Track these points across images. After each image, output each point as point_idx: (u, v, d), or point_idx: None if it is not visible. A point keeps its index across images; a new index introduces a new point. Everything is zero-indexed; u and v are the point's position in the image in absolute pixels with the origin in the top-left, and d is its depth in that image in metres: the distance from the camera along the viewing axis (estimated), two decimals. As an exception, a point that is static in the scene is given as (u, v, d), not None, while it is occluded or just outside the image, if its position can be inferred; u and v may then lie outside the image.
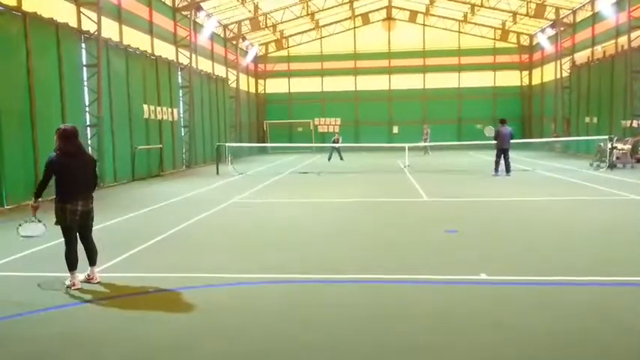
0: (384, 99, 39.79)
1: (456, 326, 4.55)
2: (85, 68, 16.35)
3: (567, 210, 10.64)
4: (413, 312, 4.93)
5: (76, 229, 5.76)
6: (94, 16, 16.34)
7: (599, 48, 27.37)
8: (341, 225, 9.53)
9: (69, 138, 5.67)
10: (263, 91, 41.05)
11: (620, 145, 19.40)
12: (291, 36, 39.42)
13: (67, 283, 5.72)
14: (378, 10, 38.40)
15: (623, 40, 23.94)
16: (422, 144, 29.84)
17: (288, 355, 4.09)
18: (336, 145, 27.06)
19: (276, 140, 37.97)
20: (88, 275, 5.90)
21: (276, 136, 39.27)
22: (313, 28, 38.63)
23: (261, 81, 40.92)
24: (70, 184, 5.64)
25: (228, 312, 5.02)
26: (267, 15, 32.79)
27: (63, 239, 5.80)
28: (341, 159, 26.61)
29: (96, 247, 6.00)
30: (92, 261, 5.93)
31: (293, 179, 18.25)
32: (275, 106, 40.64)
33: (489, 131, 18.87)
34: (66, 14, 15.63)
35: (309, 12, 34.53)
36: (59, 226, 5.75)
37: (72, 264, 5.69)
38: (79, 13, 16.38)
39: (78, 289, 5.63)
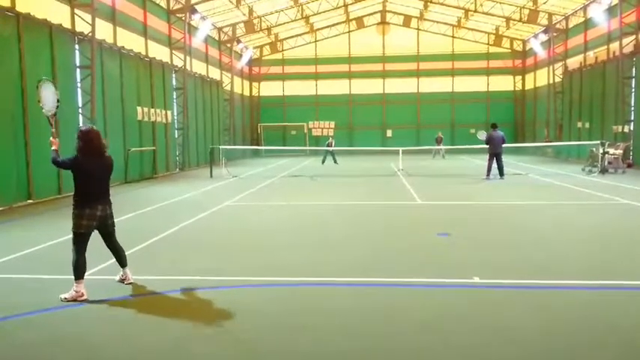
0: (378, 103, 39.91)
1: (450, 329, 4.55)
2: (78, 70, 16.27)
3: (559, 214, 10.70)
4: (405, 316, 4.93)
5: (90, 236, 5.52)
6: (88, 17, 16.28)
7: (591, 54, 27.60)
8: (333, 228, 9.53)
9: (92, 139, 5.51)
10: (257, 94, 41.06)
11: (611, 150, 19.55)
12: (285, 39, 39.49)
13: (67, 296, 5.33)
14: (372, 14, 38.56)
15: (614, 46, 24.17)
16: (438, 147, 30.80)
17: (279, 358, 4.08)
18: (330, 148, 27.10)
19: (270, 143, 37.99)
20: (122, 276, 5.91)
21: (270, 139, 39.30)
22: (308, 32, 38.71)
23: (255, 84, 40.93)
24: (90, 188, 5.47)
25: (218, 315, 5.00)
26: (262, 18, 32.82)
27: (73, 247, 5.45)
28: (335, 162, 26.63)
29: (122, 247, 5.91)
30: (122, 262, 5.89)
31: (286, 182, 18.24)
32: (269, 109, 40.65)
33: (482, 135, 19.11)
34: (60, 15, 15.56)
35: (304, 15, 34.59)
36: (72, 233, 5.48)
37: (81, 272, 5.39)
38: (72, 14, 16.31)
39: (84, 300, 5.33)
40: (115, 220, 5.89)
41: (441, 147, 30.76)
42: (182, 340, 4.39)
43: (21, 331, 4.65)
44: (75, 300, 5.32)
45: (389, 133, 39.44)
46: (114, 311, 5.15)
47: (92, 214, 5.46)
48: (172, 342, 4.36)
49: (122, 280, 5.92)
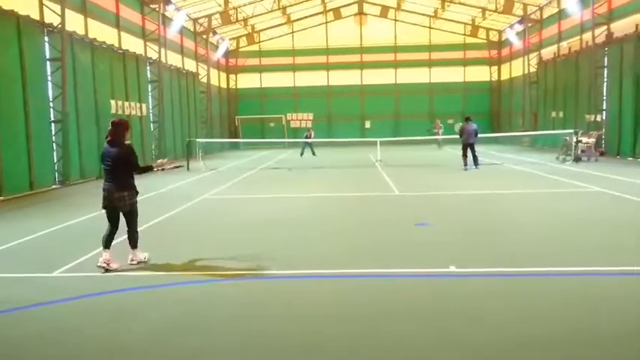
0: (356, 94, 39.91)
1: (426, 317, 4.57)
2: (48, 62, 15.86)
3: (534, 202, 10.85)
4: (380, 305, 4.93)
5: (110, 211, 6.35)
6: (57, 8, 15.86)
7: (564, 44, 27.99)
8: (312, 220, 9.51)
9: (109, 130, 6.34)
10: (234, 86, 40.68)
11: (584, 139, 19.91)
12: (262, 30, 39.14)
13: (99, 263, 6.13)
14: (349, 4, 38.42)
15: (587, 36, 24.54)
16: (437, 137, 30.41)
17: (265, 350, 4.05)
18: (309, 140, 27.01)
19: (248, 136, 37.72)
20: (131, 256, 6.53)
21: (248, 132, 39.02)
22: (285, 23, 38.42)
23: (232, 76, 40.54)
24: (104, 171, 6.44)
25: (202, 309, 4.95)
26: (238, 9, 32.44)
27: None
28: (313, 154, 26.57)
29: (136, 233, 6.51)
30: (130, 244, 6.52)
31: (265, 175, 18.14)
32: (247, 101, 40.34)
33: (457, 127, 19.48)
34: (28, 6, 15.10)
35: (281, 6, 34.30)
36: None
37: (104, 243, 6.24)
38: (41, 5, 15.85)
39: (110, 267, 6.10)
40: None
41: (439, 136, 30.39)
42: (170, 332, 4.33)
43: (20, 323, 4.61)
44: (107, 266, 6.10)
45: (367, 124, 39.50)
46: (107, 304, 5.06)
47: (103, 194, 6.37)
48: (161, 334, 4.30)
49: (132, 261, 6.46)
